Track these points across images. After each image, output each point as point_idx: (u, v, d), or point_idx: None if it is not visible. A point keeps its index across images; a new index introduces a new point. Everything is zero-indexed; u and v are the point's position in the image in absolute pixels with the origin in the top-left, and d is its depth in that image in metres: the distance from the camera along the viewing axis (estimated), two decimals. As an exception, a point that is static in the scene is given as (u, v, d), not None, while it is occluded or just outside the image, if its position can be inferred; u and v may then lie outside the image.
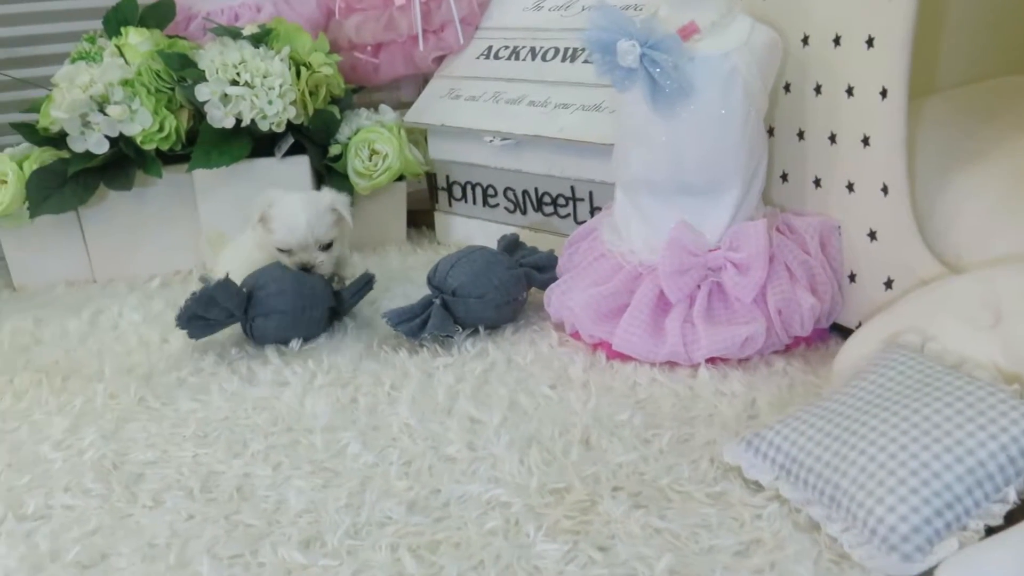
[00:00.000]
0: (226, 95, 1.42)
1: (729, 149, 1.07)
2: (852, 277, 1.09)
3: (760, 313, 1.06)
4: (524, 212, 1.47)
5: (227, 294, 1.14)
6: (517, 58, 1.50)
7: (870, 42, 1.00)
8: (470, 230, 1.55)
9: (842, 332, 1.11)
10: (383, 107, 1.59)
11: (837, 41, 1.05)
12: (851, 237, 1.08)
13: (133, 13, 1.55)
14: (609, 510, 0.80)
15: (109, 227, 1.51)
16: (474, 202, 1.54)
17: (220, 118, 1.42)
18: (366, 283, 1.24)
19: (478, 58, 1.55)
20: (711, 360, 1.06)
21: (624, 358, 1.09)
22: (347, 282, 1.26)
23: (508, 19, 1.56)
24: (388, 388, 1.06)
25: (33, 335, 1.29)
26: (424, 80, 1.66)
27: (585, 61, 1.40)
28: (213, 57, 1.43)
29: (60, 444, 0.98)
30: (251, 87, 1.41)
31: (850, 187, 1.07)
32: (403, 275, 1.45)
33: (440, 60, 1.60)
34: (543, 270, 1.25)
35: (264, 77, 1.42)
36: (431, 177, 1.61)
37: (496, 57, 1.53)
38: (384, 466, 0.90)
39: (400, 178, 1.56)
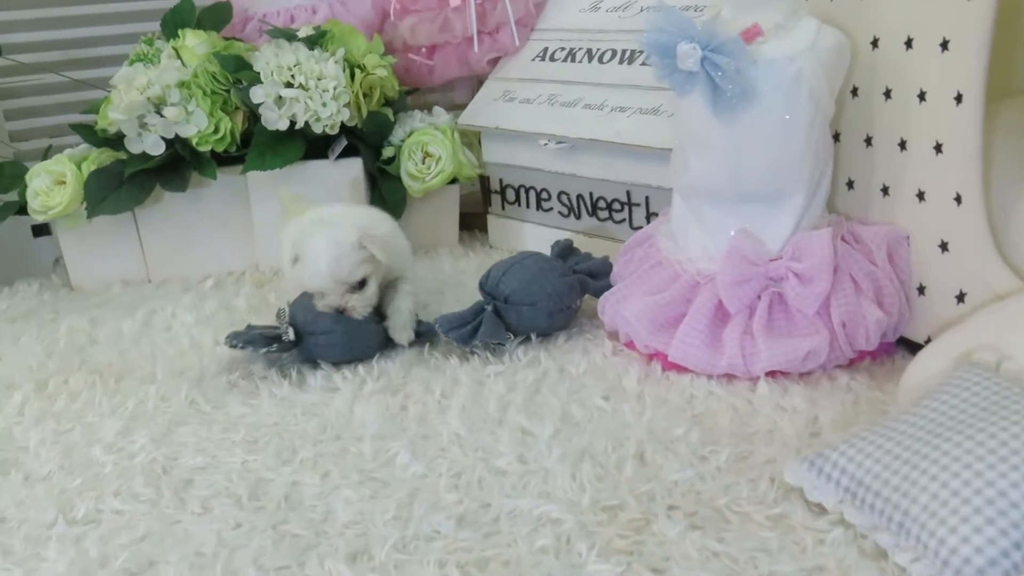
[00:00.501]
0: (280, 97, 1.42)
1: (793, 156, 1.04)
2: (921, 289, 1.04)
3: (823, 326, 1.03)
4: (578, 216, 1.45)
5: (283, 349, 1.12)
6: (573, 60, 1.47)
7: (945, 45, 0.96)
8: (523, 234, 1.53)
9: (909, 347, 1.06)
10: (437, 109, 1.58)
11: (909, 44, 1.01)
12: (920, 248, 1.04)
13: (190, 15, 1.55)
14: (664, 530, 0.77)
15: (164, 228, 1.52)
16: (527, 206, 1.52)
17: (274, 120, 1.42)
18: (427, 332, 1.17)
19: (533, 60, 1.53)
20: (771, 374, 1.03)
21: (680, 369, 1.06)
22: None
23: (564, 20, 1.54)
24: (439, 396, 1.04)
25: (88, 335, 1.30)
26: (478, 82, 1.64)
27: (643, 64, 1.37)
28: (268, 59, 1.43)
29: (112, 447, 0.98)
30: (305, 89, 1.41)
31: (920, 196, 1.02)
32: (455, 279, 1.43)
33: (495, 62, 1.58)
34: (597, 277, 1.23)
35: (318, 79, 1.41)
36: (484, 180, 1.59)
37: (552, 59, 1.50)
38: (433, 477, 0.88)
39: (453, 181, 1.55)
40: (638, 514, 0.80)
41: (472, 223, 1.66)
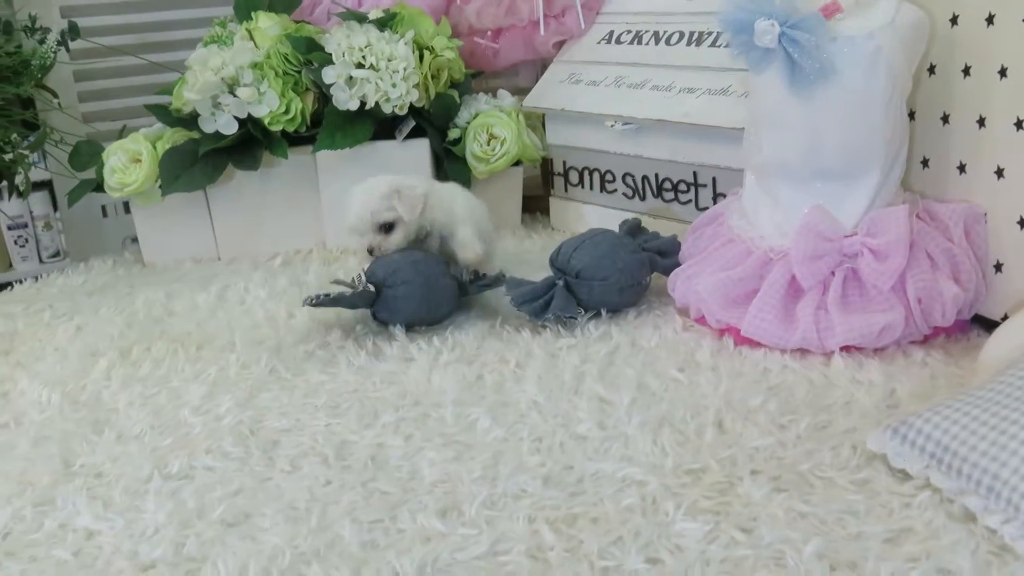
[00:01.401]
0: (351, 78, 1.44)
1: (870, 133, 1.04)
2: (998, 267, 1.04)
3: (898, 301, 1.03)
4: (643, 198, 1.46)
5: (363, 300, 1.15)
6: (640, 42, 1.48)
7: (1029, 20, 0.96)
8: (586, 216, 1.55)
9: (984, 324, 1.06)
10: (502, 92, 1.60)
11: (991, 20, 1.01)
12: (998, 225, 1.04)
13: (262, -1, 1.59)
14: (749, 492, 0.78)
15: (234, 207, 1.55)
16: (591, 188, 1.53)
17: (345, 100, 1.45)
18: (494, 281, 1.22)
19: (599, 43, 1.54)
20: (845, 349, 1.03)
21: (753, 344, 1.07)
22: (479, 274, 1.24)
23: (630, 4, 1.54)
24: (513, 366, 1.06)
25: (165, 307, 1.33)
26: (542, 66, 1.66)
27: (712, 45, 1.38)
28: (339, 40, 1.45)
29: (198, 409, 1.00)
30: (376, 70, 1.43)
31: (1000, 173, 1.02)
32: (519, 259, 1.45)
33: (559, 45, 1.60)
34: (666, 255, 1.24)
35: (389, 60, 1.44)
36: (546, 163, 1.60)
37: (618, 42, 1.52)
38: (514, 441, 0.90)
39: (516, 163, 1.57)
40: (721, 477, 0.81)
41: (531, 206, 1.68)
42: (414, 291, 1.16)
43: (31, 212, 2.63)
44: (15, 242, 2.59)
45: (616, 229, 1.27)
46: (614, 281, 1.17)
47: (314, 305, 1.15)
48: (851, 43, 1.02)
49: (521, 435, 0.91)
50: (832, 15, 1.02)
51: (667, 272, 1.22)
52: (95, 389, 1.08)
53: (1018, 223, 1.01)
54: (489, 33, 1.61)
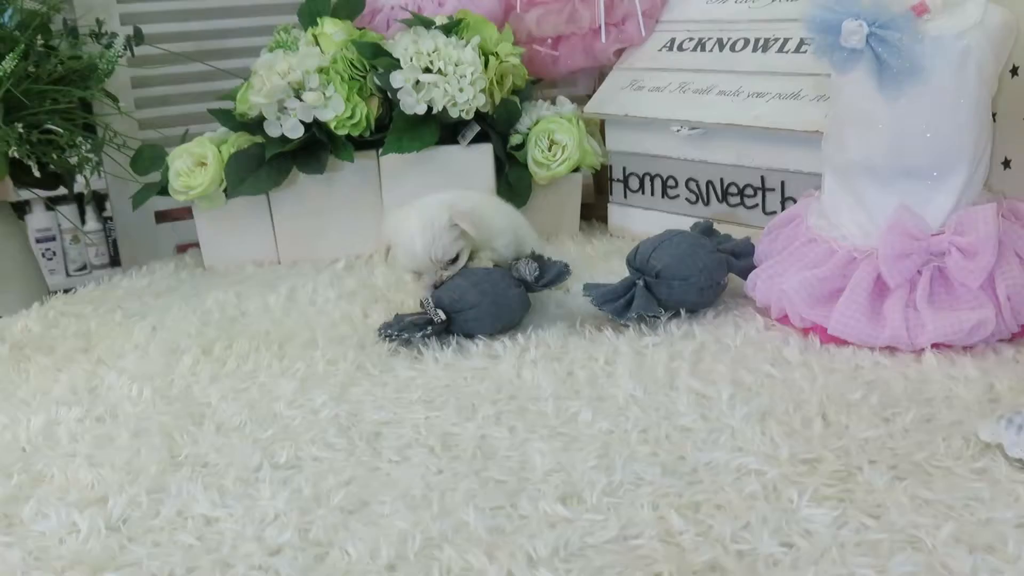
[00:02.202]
0: (419, 82, 1.46)
1: (958, 132, 1.05)
2: (1087, 266, 1.05)
3: (988, 299, 1.03)
4: (707, 203, 1.47)
5: (436, 330, 1.14)
6: (703, 49, 1.50)
7: (1120, 20, 0.97)
8: (646, 221, 1.55)
9: (1070, 323, 1.07)
10: (561, 99, 1.61)
11: (1078, 21, 1.02)
12: (1087, 224, 1.05)
13: (326, 4, 1.60)
14: (870, 480, 0.78)
15: (296, 210, 1.56)
16: (652, 193, 1.55)
17: (412, 104, 1.46)
18: (558, 275, 1.21)
19: (660, 50, 1.56)
20: (935, 346, 1.03)
21: (839, 342, 1.07)
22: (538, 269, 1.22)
23: (691, 12, 1.56)
24: (603, 363, 1.06)
25: (237, 307, 1.34)
26: (600, 75, 1.67)
27: (780, 51, 1.39)
28: (407, 45, 1.47)
29: (293, 403, 1.01)
30: (443, 75, 1.45)
31: (1089, 172, 1.03)
32: (581, 264, 1.45)
33: (619, 53, 1.61)
34: (740, 257, 1.24)
35: (456, 65, 1.45)
36: (602, 170, 1.62)
37: (680, 49, 1.53)
38: (620, 433, 0.90)
39: (576, 169, 1.58)
40: (839, 466, 0.81)
41: (585, 212, 1.69)
42: (483, 313, 1.15)
43: (59, 225, 2.65)
44: (43, 255, 2.60)
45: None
46: (694, 281, 1.17)
47: (387, 339, 1.15)
48: (940, 43, 1.03)
49: (626, 427, 0.91)
50: (921, 15, 1.04)
51: (742, 273, 1.22)
52: (184, 384, 1.08)
53: (1106, 222, 1.02)
54: (549, 41, 1.62)
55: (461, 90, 1.45)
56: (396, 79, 1.45)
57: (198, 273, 1.56)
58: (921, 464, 0.81)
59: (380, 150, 1.50)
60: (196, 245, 1.67)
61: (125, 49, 1.57)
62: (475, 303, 1.14)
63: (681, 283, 1.17)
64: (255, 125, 1.53)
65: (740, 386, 0.99)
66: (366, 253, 1.57)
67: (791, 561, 0.69)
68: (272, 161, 1.50)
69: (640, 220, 1.57)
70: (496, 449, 0.89)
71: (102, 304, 1.41)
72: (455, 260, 1.19)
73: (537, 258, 1.20)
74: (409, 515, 0.78)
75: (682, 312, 1.19)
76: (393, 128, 1.47)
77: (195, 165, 1.52)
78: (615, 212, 1.62)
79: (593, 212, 1.71)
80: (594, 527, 0.75)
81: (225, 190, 1.52)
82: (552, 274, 1.19)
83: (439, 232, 1.17)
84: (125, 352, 1.19)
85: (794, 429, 0.89)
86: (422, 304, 1.16)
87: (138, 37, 1.59)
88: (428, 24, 1.50)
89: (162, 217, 1.88)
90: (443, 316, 1.14)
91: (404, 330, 1.14)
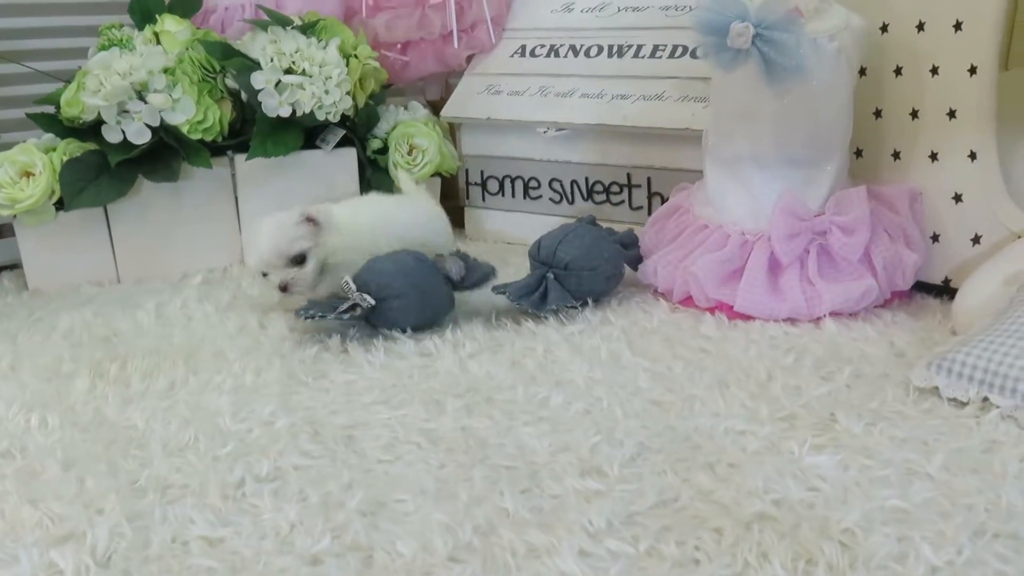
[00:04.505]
0: (279, 83, 1.39)
1: (835, 123, 1.18)
2: (935, 238, 1.21)
3: (867, 270, 1.17)
4: (571, 202, 1.52)
5: (362, 313, 1.11)
6: (557, 56, 1.56)
7: (958, 26, 1.14)
8: (508, 224, 1.58)
9: (924, 288, 1.22)
10: (414, 103, 1.61)
11: (921, 27, 1.18)
12: (934, 201, 1.20)
13: (158, 2, 1.48)
14: (848, 428, 0.86)
15: (138, 223, 1.43)
16: (513, 195, 1.58)
17: (274, 107, 1.39)
18: (483, 277, 1.21)
19: (512, 56, 1.60)
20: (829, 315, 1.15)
21: (744, 318, 1.16)
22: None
23: (537, 20, 1.62)
24: (542, 352, 1.07)
25: (107, 327, 1.20)
26: (446, 80, 1.68)
27: (635, 56, 1.48)
28: (264, 46, 1.40)
29: (237, 417, 0.93)
30: (308, 76, 1.39)
31: (933, 156, 1.19)
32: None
33: (469, 59, 1.63)
34: (628, 247, 1.31)
35: (321, 67, 1.40)
36: (451, 176, 1.63)
37: (533, 55, 1.58)
38: (599, 411, 0.92)
39: (435, 174, 1.57)
40: (815, 419, 0.88)
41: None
42: (411, 304, 1.13)
43: None
44: None
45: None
46: (602, 271, 1.22)
47: (309, 319, 1.10)
48: (817, 43, 1.15)
49: (601, 406, 0.93)
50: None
51: (631, 262, 1.29)
52: (92, 408, 0.96)
53: (952, 198, 1.18)
54: (398, 46, 1.61)
55: (327, 92, 1.40)
56: (257, 80, 1.38)
57: (25, 296, 1.38)
58: (879, 411, 0.90)
59: (230, 153, 1.41)
60: (10, 267, 1.48)
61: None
62: (403, 292, 1.12)
63: (590, 273, 1.21)
64: (87, 130, 1.38)
65: (683, 361, 1.04)
66: (221, 266, 1.47)
67: (824, 501, 0.74)
68: (114, 169, 1.36)
69: (500, 222, 1.59)
70: (485, 439, 0.87)
71: (-79, 336, 1.21)
72: (303, 261, 1.16)
73: (462, 256, 1.19)
74: (439, 509, 0.75)
75: (589, 301, 1.23)
76: (256, 132, 1.39)
77: (19, 175, 1.35)
78: (472, 215, 1.63)
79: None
80: (632, 496, 0.76)
81: (56, 203, 1.37)
82: (478, 275, 1.18)
83: (286, 226, 1.16)
84: (-9, 383, 1.04)
85: (754, 393, 0.95)
86: (343, 286, 1.12)
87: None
88: (285, 23, 1.43)
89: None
90: (371, 301, 1.10)
91: (325, 312, 1.09)
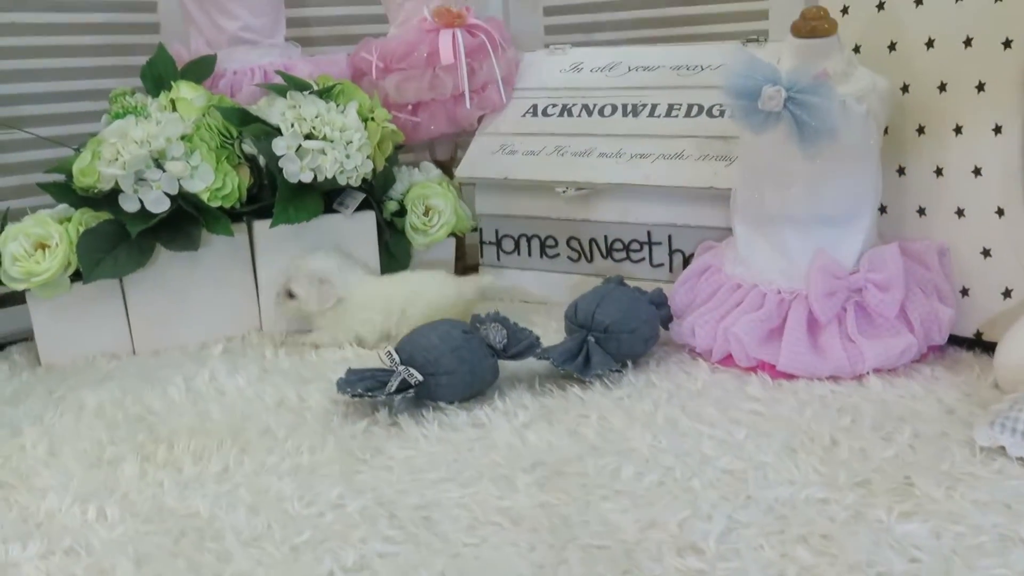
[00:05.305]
0: (300, 148, 1.38)
1: (865, 182, 1.20)
2: (964, 292, 1.24)
3: (903, 326, 1.18)
4: (590, 260, 1.52)
5: (408, 387, 1.09)
6: (569, 115, 1.57)
7: (981, 87, 1.17)
8: (524, 282, 1.58)
9: (957, 342, 1.24)
10: (426, 164, 1.60)
11: (943, 88, 1.21)
12: (961, 256, 1.23)
13: (170, 67, 1.46)
14: (928, 492, 0.86)
15: (154, 292, 1.39)
16: (529, 254, 1.57)
17: (296, 173, 1.37)
18: (528, 347, 1.18)
19: (524, 116, 1.60)
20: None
21: (787, 377, 1.17)
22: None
23: (546, 80, 1.63)
24: (596, 419, 1.07)
25: (139, 405, 1.17)
26: (455, 141, 1.68)
27: (650, 115, 1.50)
28: (284, 111, 1.39)
29: (304, 500, 0.90)
30: (329, 141, 1.38)
31: (960, 212, 1.22)
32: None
33: (480, 119, 1.64)
34: (659, 307, 1.31)
35: (341, 131, 1.39)
36: (463, 236, 1.62)
37: (545, 114, 1.59)
38: (672, 482, 0.91)
39: (451, 234, 1.57)
40: (891, 484, 0.88)
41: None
42: (458, 380, 1.11)
43: None
44: None
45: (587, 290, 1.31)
46: (641, 332, 1.22)
47: (357, 397, 1.08)
48: (846, 105, 1.17)
49: (674, 475, 0.92)
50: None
51: (663, 321, 1.29)
52: (149, 496, 0.92)
53: (981, 253, 1.21)
54: (409, 107, 1.61)
55: (348, 156, 1.39)
56: (279, 146, 1.36)
57: (40, 372, 1.34)
58: (951, 473, 0.91)
59: (248, 219, 1.40)
60: (16, 341, 1.44)
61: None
62: (451, 369, 1.10)
63: (629, 336, 1.21)
64: (101, 200, 1.35)
65: (742, 425, 1.04)
66: (239, 334, 1.43)
67: (928, 573, 0.74)
68: (133, 240, 1.33)
69: (518, 280, 1.58)
70: (567, 516, 0.86)
71: (-60, 420, 1.16)
72: (292, 298, 1.37)
73: (502, 321, 1.17)
74: (544, 594, 0.73)
75: (629, 363, 1.22)
76: (280, 198, 1.37)
77: (34, 247, 1.31)
78: (488, 275, 1.62)
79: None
80: (736, 574, 0.75)
81: (73, 275, 1.33)
82: (522, 346, 1.17)
83: (315, 266, 1.38)
84: (34, 470, 1.00)
85: (823, 458, 0.95)
86: (387, 357, 1.10)
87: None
88: (303, 87, 1.42)
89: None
90: (419, 377, 1.08)
91: (371, 389, 1.07)
